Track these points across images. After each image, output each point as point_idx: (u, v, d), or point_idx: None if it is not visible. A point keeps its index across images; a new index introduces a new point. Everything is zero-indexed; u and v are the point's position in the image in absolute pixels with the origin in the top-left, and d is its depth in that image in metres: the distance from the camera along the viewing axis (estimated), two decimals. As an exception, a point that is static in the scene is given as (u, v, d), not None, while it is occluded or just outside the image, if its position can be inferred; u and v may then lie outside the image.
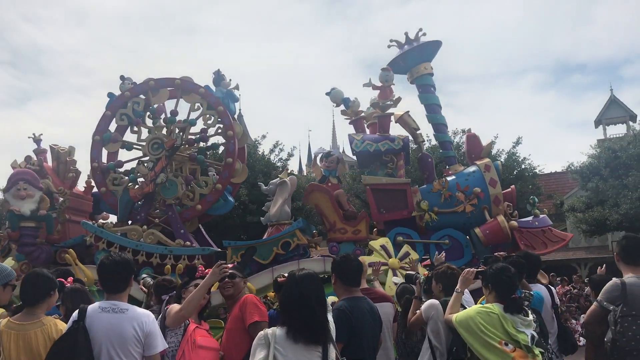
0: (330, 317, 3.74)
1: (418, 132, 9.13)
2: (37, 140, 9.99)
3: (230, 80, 9.56)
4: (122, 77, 9.66)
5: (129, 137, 9.66)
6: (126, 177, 9.36)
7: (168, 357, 4.34)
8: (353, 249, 8.64)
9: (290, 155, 26.44)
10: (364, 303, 4.48)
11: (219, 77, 9.47)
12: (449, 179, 8.59)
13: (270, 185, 9.48)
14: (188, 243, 8.76)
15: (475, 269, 4.75)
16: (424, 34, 9.20)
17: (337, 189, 8.97)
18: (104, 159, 9.56)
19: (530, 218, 8.60)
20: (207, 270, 4.97)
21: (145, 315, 3.90)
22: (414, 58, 9.16)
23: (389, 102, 8.98)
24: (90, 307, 3.86)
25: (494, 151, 23.91)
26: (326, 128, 71.38)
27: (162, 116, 9.42)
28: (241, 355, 4.38)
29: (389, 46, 9.43)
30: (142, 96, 9.47)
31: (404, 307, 5.60)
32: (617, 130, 38.24)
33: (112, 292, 3.95)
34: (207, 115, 9.23)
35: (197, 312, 4.73)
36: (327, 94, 9.49)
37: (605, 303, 4.62)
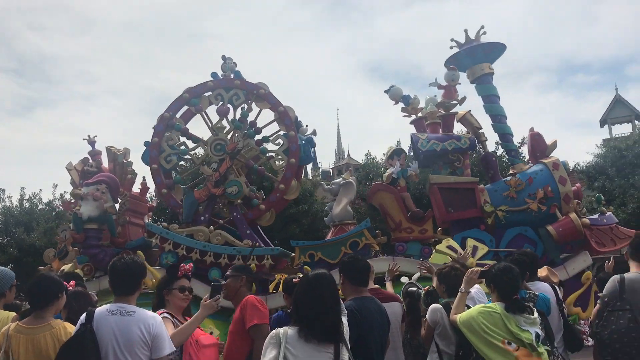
0: (344, 319, 3.68)
1: (480, 130, 9.15)
2: (91, 142, 9.91)
3: (307, 126, 9.68)
4: (223, 57, 9.64)
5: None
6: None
7: None
8: (420, 248, 8.67)
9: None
10: (372, 303, 4.48)
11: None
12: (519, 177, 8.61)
13: (332, 185, 9.47)
14: (257, 243, 8.72)
15: (479, 269, 4.74)
16: (484, 33, 9.24)
17: (404, 191, 8.98)
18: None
19: (597, 215, 8.65)
20: (189, 266, 4.86)
21: (152, 318, 3.86)
22: (478, 57, 9.18)
23: (453, 102, 9.01)
24: (97, 310, 3.83)
25: (499, 151, 24.06)
26: (331, 132, 71.44)
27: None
28: (243, 357, 4.42)
29: (450, 47, 9.44)
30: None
31: (408, 307, 5.61)
32: (623, 129, 38.61)
33: (121, 294, 3.92)
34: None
35: (181, 313, 4.64)
36: (386, 91, 9.51)
37: (606, 299, 4.75)
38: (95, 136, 9.92)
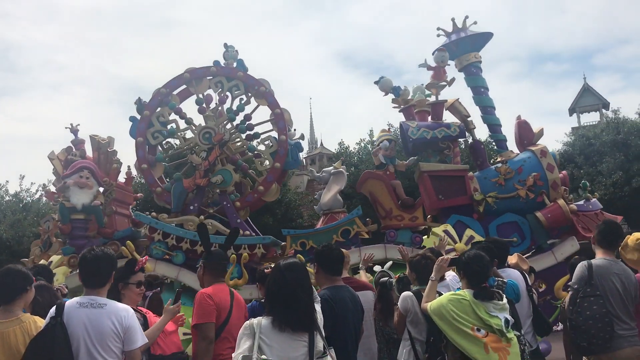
0: (317, 307, 3.71)
1: (469, 119, 9.24)
2: (74, 131, 9.65)
3: (295, 130, 9.64)
4: (225, 45, 9.53)
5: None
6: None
7: None
8: (411, 236, 8.73)
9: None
10: (346, 292, 4.50)
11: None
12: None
13: (323, 172, 9.47)
14: (247, 232, 8.66)
15: (449, 257, 4.80)
16: (475, 23, 9.32)
17: (393, 178, 9.01)
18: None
19: (582, 202, 8.83)
20: (145, 258, 4.90)
21: (125, 310, 3.80)
22: (465, 47, 9.26)
23: (442, 83, 9.07)
24: (68, 303, 3.76)
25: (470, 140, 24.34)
26: (304, 121, 71.16)
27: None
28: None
29: (438, 35, 9.50)
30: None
31: (379, 295, 5.68)
32: (591, 118, 39.50)
33: (92, 287, 3.83)
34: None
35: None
36: (376, 82, 9.51)
37: (576, 286, 4.84)
38: (78, 124, 9.67)
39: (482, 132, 14.22)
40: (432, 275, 4.66)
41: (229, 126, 9.26)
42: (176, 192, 8.90)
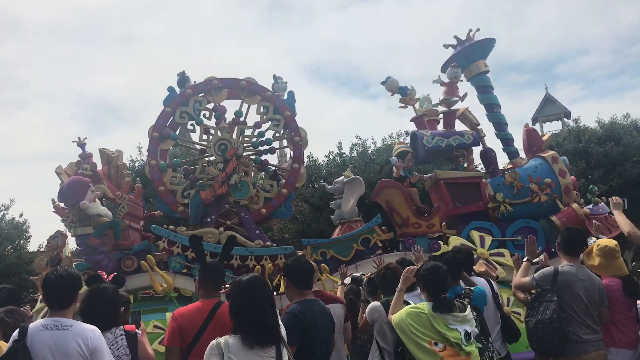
0: (279, 320, 3.75)
1: (479, 127, 9.45)
2: (81, 144, 9.43)
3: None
4: (274, 77, 9.39)
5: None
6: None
7: None
8: (428, 243, 8.83)
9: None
10: (316, 305, 4.51)
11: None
12: (518, 170, 8.95)
13: (336, 184, 9.50)
14: (268, 243, 8.62)
15: (415, 267, 4.80)
16: (478, 30, 9.58)
17: (408, 186, 9.13)
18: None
19: (591, 205, 9.11)
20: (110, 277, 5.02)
21: (91, 331, 3.74)
22: (471, 56, 9.49)
23: (455, 98, 9.27)
24: (31, 325, 3.72)
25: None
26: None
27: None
28: None
29: (445, 46, 9.71)
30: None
31: (347, 307, 5.65)
32: (553, 127, 40.67)
33: (56, 308, 3.80)
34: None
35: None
36: (383, 83, 9.64)
37: (535, 282, 5.12)
38: (85, 138, 9.45)
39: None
40: (398, 286, 4.68)
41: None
42: (194, 204, 8.78)
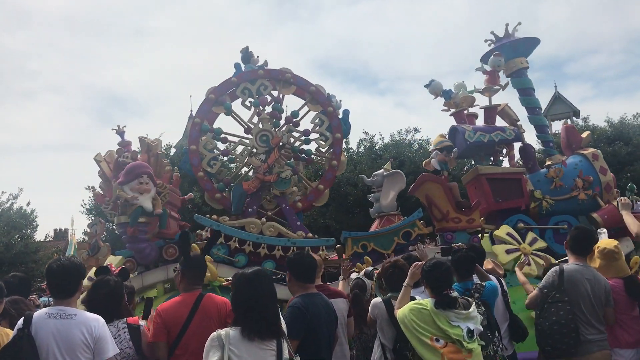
0: (280, 314, 3.76)
1: (518, 123, 9.46)
2: (120, 132, 9.42)
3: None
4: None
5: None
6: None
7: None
8: (468, 238, 8.86)
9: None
10: (319, 299, 4.51)
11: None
12: (561, 167, 8.98)
13: (375, 177, 9.53)
14: (310, 235, 8.64)
15: (423, 263, 4.76)
16: (519, 24, 9.60)
17: (447, 181, 9.15)
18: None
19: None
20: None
21: (95, 320, 3.75)
22: (512, 51, 9.49)
23: (496, 87, 9.29)
24: (36, 314, 3.73)
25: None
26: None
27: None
28: None
29: (485, 40, 9.72)
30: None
31: (352, 302, 5.68)
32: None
33: (60, 297, 3.82)
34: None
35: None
36: (426, 86, 9.64)
37: (545, 290, 5.06)
38: (125, 126, 9.44)
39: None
40: (405, 281, 4.67)
41: (284, 128, 9.25)
42: (236, 194, 8.81)
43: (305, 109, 9.49)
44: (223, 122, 9.52)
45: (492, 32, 9.64)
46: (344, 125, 9.38)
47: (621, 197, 6.20)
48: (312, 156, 9.54)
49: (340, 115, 9.41)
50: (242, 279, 3.69)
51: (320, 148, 9.46)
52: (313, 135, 9.36)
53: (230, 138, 9.36)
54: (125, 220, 8.27)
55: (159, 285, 8.70)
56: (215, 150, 9.29)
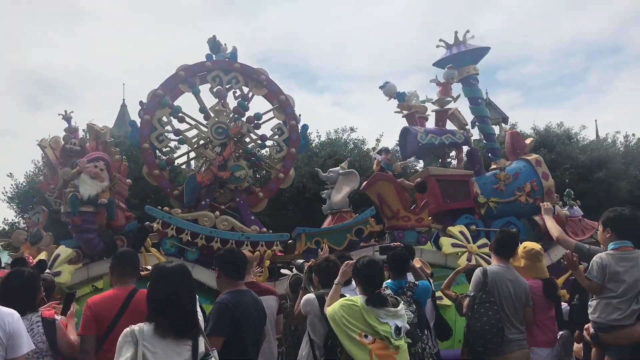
0: (198, 308, 3.67)
1: (467, 127, 9.81)
2: (67, 118, 9.05)
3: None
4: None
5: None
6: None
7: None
8: (417, 236, 9.10)
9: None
10: (248, 297, 4.49)
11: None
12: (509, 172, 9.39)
13: (330, 173, 9.62)
14: (264, 230, 8.62)
15: (354, 261, 4.81)
16: (472, 37, 9.93)
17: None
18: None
19: (566, 208, 9.68)
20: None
21: (9, 315, 3.52)
22: (463, 60, 9.85)
23: (448, 99, 9.58)
24: None
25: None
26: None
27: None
28: None
29: (437, 46, 10.02)
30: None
31: (295, 296, 5.76)
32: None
33: None
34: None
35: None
36: (381, 87, 9.83)
37: (473, 292, 5.35)
38: (72, 112, 9.11)
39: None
40: (336, 280, 4.72)
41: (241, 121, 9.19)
42: (189, 186, 8.66)
43: (270, 115, 9.48)
44: (185, 103, 9.40)
45: (441, 40, 9.95)
46: (302, 140, 9.44)
47: (543, 202, 6.50)
48: (262, 162, 9.56)
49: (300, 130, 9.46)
50: (161, 273, 3.55)
51: (273, 157, 9.45)
52: (269, 142, 9.43)
53: (187, 120, 9.20)
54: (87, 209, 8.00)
55: (105, 277, 8.42)
56: (168, 128, 9.09)
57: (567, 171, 24.27)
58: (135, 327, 3.32)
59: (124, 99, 43.86)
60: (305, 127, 9.65)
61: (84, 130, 10.08)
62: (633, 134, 26.91)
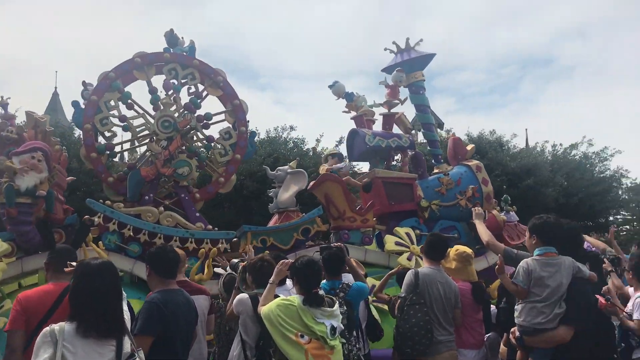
0: (125, 306, 3.62)
1: (412, 131, 10.04)
2: (3, 105, 8.64)
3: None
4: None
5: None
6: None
7: None
8: (361, 236, 9.23)
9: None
10: (179, 296, 4.43)
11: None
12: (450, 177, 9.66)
13: (278, 171, 9.60)
14: (210, 227, 8.50)
15: (290, 261, 4.84)
16: (421, 40, 10.18)
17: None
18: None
19: (503, 213, 10.05)
20: None
21: None
22: (411, 66, 10.07)
23: (396, 101, 9.77)
24: None
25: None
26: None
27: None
28: None
29: (385, 49, 10.20)
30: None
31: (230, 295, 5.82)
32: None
33: None
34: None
35: None
36: (330, 86, 9.90)
37: (404, 294, 5.57)
38: (9, 98, 8.69)
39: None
40: (271, 279, 4.70)
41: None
42: (133, 180, 8.42)
43: (221, 117, 9.35)
44: (136, 92, 9.13)
45: (394, 42, 10.15)
46: (249, 147, 9.34)
47: (475, 207, 6.71)
48: (204, 163, 9.42)
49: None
50: (86, 270, 3.45)
51: (217, 159, 9.31)
52: (215, 145, 9.31)
53: (136, 108, 8.95)
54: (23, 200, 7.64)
55: (40, 271, 8.07)
56: (114, 112, 8.80)
57: (497, 177, 25.11)
58: (56, 326, 3.20)
59: (55, 87, 42.28)
60: (253, 134, 9.58)
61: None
62: (560, 144, 27.99)
